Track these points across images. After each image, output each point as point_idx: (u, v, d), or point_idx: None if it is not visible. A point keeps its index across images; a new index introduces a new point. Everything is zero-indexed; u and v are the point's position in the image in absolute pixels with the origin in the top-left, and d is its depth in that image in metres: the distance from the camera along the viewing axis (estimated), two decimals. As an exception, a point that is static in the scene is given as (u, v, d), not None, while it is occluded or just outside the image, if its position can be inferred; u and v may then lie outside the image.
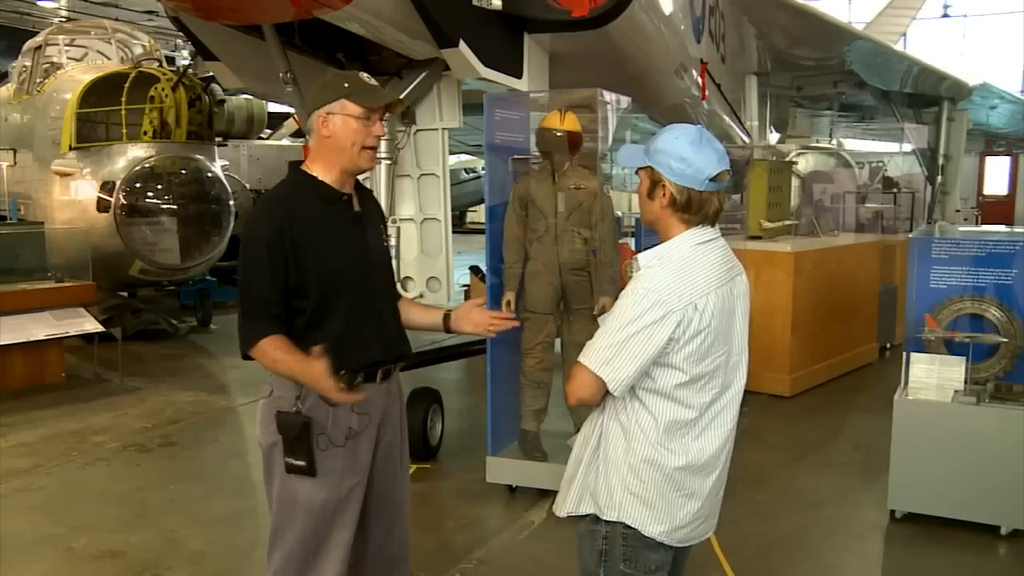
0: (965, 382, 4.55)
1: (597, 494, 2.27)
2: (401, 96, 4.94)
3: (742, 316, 2.31)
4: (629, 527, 2.23)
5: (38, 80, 9.93)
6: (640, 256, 2.26)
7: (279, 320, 2.49)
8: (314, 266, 2.49)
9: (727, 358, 2.25)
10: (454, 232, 5.39)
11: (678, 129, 2.23)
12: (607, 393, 2.20)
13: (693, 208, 2.19)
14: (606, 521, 2.26)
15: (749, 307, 2.36)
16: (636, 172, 2.29)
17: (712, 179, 2.18)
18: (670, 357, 2.16)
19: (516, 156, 5.11)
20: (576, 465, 2.35)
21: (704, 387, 2.21)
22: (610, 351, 2.14)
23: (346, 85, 2.51)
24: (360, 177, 2.73)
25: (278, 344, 2.45)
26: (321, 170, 2.57)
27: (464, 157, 17.21)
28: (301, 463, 2.49)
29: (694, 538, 2.32)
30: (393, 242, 2.86)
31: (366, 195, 2.76)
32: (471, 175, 19.25)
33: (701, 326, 2.14)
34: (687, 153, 2.16)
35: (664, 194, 2.20)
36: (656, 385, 2.19)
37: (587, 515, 2.30)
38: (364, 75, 2.57)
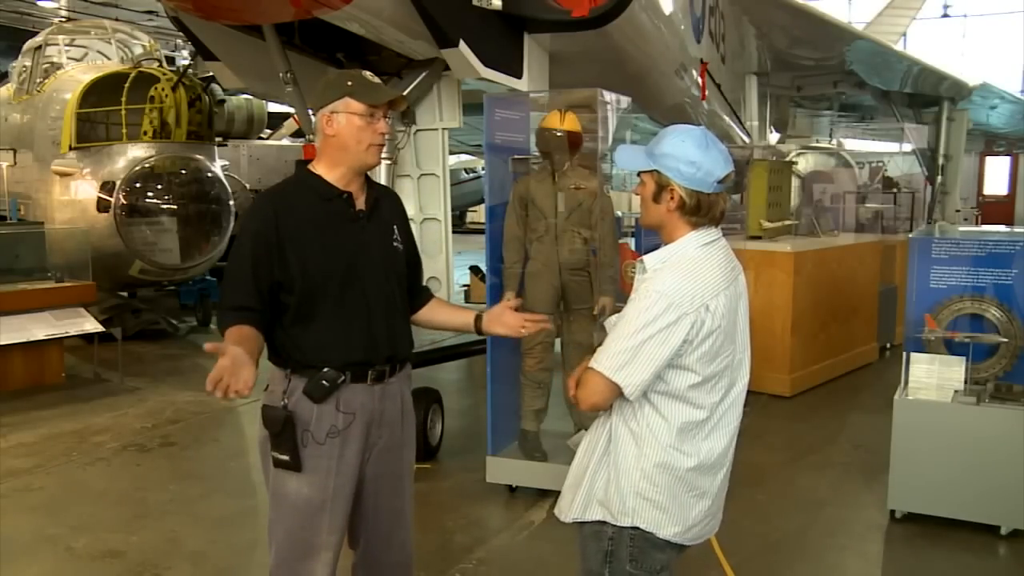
0: (965, 382, 4.55)
1: (608, 502, 2.25)
2: (404, 93, 4.96)
3: (743, 314, 2.33)
4: (636, 528, 2.23)
5: (38, 80, 9.92)
6: (646, 258, 2.25)
7: (249, 312, 2.48)
8: (298, 262, 2.49)
9: (732, 357, 2.26)
10: (454, 232, 5.40)
11: (683, 132, 2.21)
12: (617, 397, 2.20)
13: (702, 211, 2.19)
14: (613, 524, 2.25)
15: (748, 305, 2.38)
16: (638, 175, 2.27)
17: (719, 181, 2.19)
18: (683, 359, 2.15)
19: (516, 156, 5.11)
20: (581, 470, 2.34)
21: (714, 387, 2.21)
22: (625, 356, 2.13)
23: (349, 83, 2.51)
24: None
25: (231, 334, 2.42)
26: (324, 168, 2.57)
27: (464, 157, 17.20)
28: (285, 457, 2.50)
29: (705, 535, 2.34)
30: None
31: (382, 195, 2.73)
32: (471, 175, 19.24)
33: (713, 327, 2.15)
34: (696, 157, 2.16)
35: (672, 198, 2.19)
36: (669, 388, 2.19)
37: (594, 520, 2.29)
38: (367, 73, 2.57)
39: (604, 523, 2.27)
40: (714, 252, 2.23)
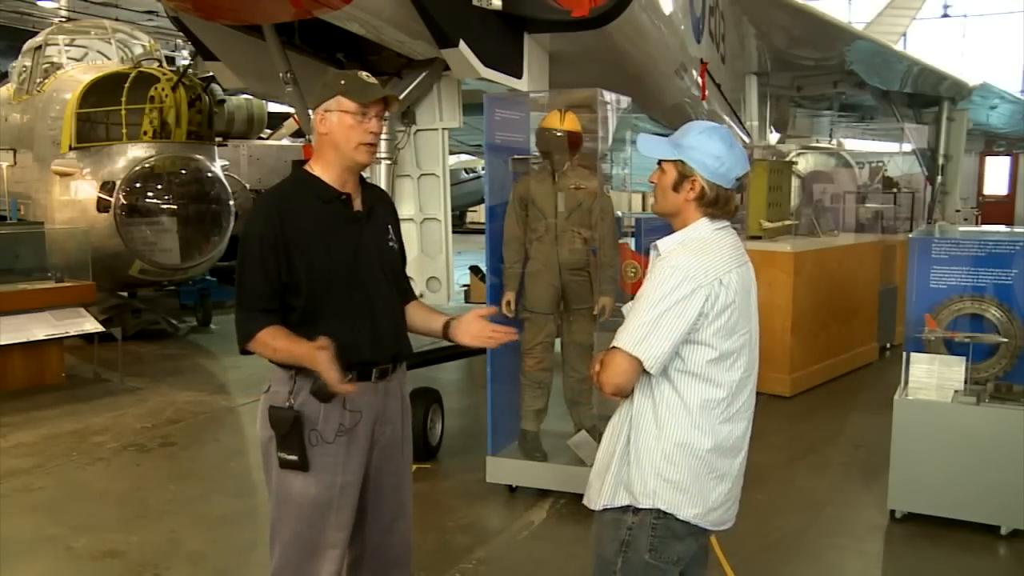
0: (965, 382, 4.55)
1: (631, 484, 2.29)
2: (401, 96, 4.97)
3: (754, 302, 2.39)
4: (659, 516, 2.26)
5: (38, 80, 9.93)
6: (659, 243, 2.32)
7: (275, 313, 2.53)
8: (304, 264, 2.51)
9: (750, 337, 2.32)
10: (454, 232, 5.40)
11: (710, 128, 2.31)
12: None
13: (719, 204, 2.29)
14: (635, 510, 2.28)
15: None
16: (659, 163, 2.34)
17: (737, 179, 2.28)
18: (700, 333, 2.21)
19: (516, 156, 5.11)
20: (608, 457, 2.37)
21: (733, 365, 2.27)
22: (644, 329, 2.19)
23: (342, 82, 2.54)
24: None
25: (276, 333, 2.50)
26: (321, 169, 2.59)
27: (464, 157, 17.19)
28: (293, 457, 2.51)
29: (725, 521, 2.38)
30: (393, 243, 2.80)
31: (375, 195, 2.76)
32: (471, 175, 19.24)
33: (727, 301, 2.21)
34: (722, 152, 2.26)
35: (693, 188, 2.27)
36: (687, 365, 2.24)
37: (621, 506, 2.32)
38: (363, 73, 2.59)
39: (626, 510, 2.30)
40: (725, 236, 2.32)
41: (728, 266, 2.24)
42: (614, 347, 2.23)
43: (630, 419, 2.32)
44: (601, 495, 2.36)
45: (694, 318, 2.18)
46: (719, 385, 2.26)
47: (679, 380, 2.25)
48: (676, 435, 2.25)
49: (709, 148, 2.25)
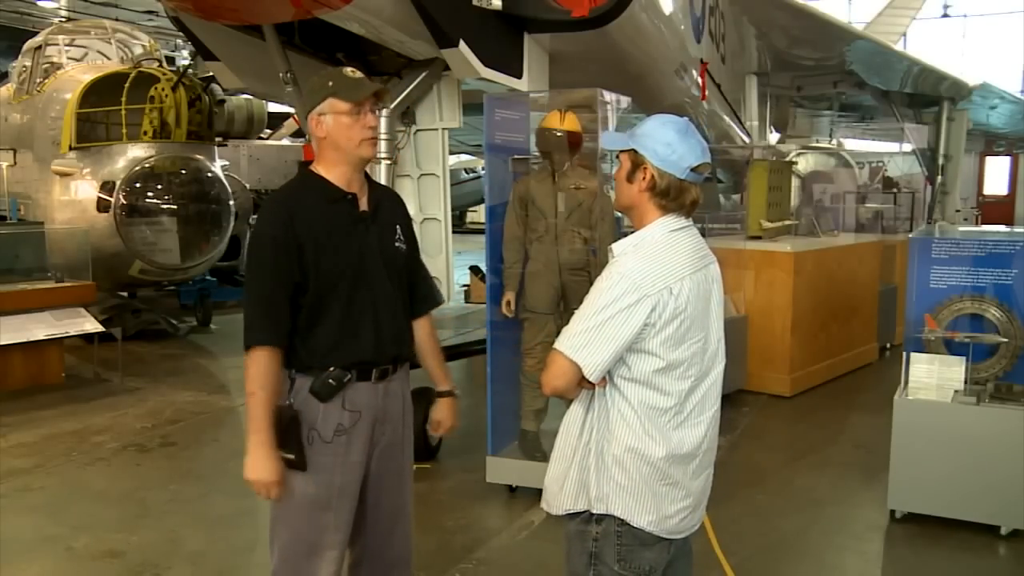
0: (965, 382, 4.55)
1: (589, 487, 2.26)
2: (401, 96, 4.97)
3: (717, 303, 2.33)
4: (622, 524, 2.22)
5: (38, 80, 9.92)
6: (614, 245, 2.28)
7: (279, 324, 2.50)
8: (312, 264, 2.51)
9: (704, 344, 2.25)
10: (454, 232, 5.40)
11: (665, 117, 2.26)
12: (582, 381, 2.19)
13: (671, 195, 2.22)
14: (598, 520, 2.24)
15: (723, 295, 2.38)
16: (617, 156, 2.31)
17: (693, 169, 2.21)
18: (646, 343, 2.16)
19: (516, 156, 5.11)
20: (562, 460, 2.33)
21: (683, 375, 2.21)
22: (585, 336, 2.15)
23: (330, 84, 2.53)
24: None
25: (260, 360, 2.46)
26: (325, 169, 2.59)
27: (464, 157, 17.20)
28: (290, 456, 2.50)
29: (684, 529, 2.30)
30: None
31: (382, 194, 2.76)
32: (471, 175, 19.24)
33: (677, 311, 2.15)
34: (673, 139, 2.20)
35: (644, 177, 2.22)
36: (632, 373, 2.20)
37: (581, 513, 2.28)
38: (347, 70, 2.58)
39: (589, 520, 2.26)
40: (682, 238, 2.25)
41: (681, 273, 2.18)
42: (555, 349, 2.20)
43: (582, 421, 2.29)
44: (563, 498, 2.32)
45: (638, 328, 2.13)
46: (666, 393, 2.20)
47: (625, 387, 2.21)
48: (627, 440, 2.20)
49: (660, 135, 2.21)
